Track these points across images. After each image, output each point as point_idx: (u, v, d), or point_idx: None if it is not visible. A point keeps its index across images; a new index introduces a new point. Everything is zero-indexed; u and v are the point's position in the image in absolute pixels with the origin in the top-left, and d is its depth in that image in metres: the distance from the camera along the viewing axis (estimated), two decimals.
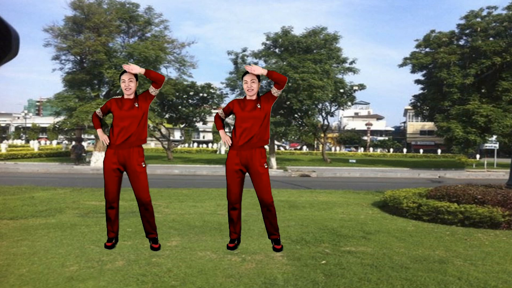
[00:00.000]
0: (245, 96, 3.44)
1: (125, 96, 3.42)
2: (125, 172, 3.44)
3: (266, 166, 3.41)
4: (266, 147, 3.72)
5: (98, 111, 3.52)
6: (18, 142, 52.56)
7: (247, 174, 3.45)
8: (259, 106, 3.36)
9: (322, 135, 36.87)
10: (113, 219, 3.57)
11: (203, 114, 32.58)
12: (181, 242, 5.97)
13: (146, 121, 3.47)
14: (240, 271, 4.71)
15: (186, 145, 60.29)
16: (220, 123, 3.58)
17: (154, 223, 3.64)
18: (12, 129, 73.93)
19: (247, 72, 3.40)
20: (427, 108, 31.00)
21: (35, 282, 4.29)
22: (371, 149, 62.37)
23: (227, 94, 29.88)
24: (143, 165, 3.44)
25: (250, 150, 3.35)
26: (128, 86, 3.38)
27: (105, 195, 3.47)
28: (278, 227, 3.56)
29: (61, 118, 25.73)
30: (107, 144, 3.41)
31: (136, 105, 3.38)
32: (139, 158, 3.42)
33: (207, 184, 15.22)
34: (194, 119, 32.91)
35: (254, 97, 3.40)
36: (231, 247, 3.65)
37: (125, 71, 3.43)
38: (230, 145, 3.44)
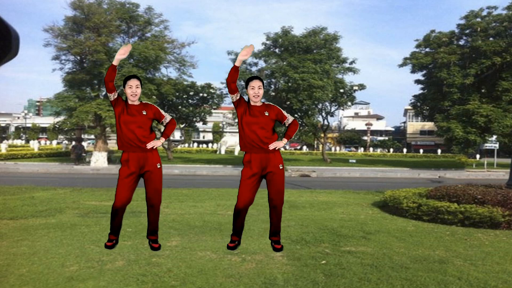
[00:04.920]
0: (249, 103, 3.44)
1: (130, 102, 3.40)
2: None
3: (281, 167, 3.40)
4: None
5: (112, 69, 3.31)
6: (18, 142, 52.57)
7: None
8: (267, 114, 3.36)
9: (322, 135, 36.86)
10: (118, 225, 3.55)
11: (203, 114, 32.58)
12: (181, 242, 5.96)
13: (152, 125, 3.50)
14: (240, 271, 4.71)
15: (186, 145, 60.32)
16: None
17: (158, 226, 3.64)
18: (12, 129, 73.90)
19: (252, 78, 3.41)
20: (427, 108, 31.00)
21: (35, 282, 4.29)
22: (371, 149, 62.37)
23: (227, 94, 29.86)
24: (158, 166, 3.45)
25: (265, 153, 3.34)
26: (135, 92, 3.36)
27: (116, 202, 3.38)
28: (280, 230, 3.59)
29: (61, 118, 25.73)
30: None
31: (144, 113, 3.38)
32: (156, 159, 3.43)
33: (207, 184, 15.21)
34: (194, 119, 32.92)
35: (258, 103, 3.41)
36: (231, 247, 3.65)
37: (130, 77, 3.43)
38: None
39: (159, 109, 3.52)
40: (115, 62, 3.29)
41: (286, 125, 3.52)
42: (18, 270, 4.63)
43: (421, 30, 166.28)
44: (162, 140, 3.48)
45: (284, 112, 3.47)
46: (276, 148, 3.36)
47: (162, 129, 3.67)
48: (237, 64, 3.28)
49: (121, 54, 3.31)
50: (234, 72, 3.31)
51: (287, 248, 5.49)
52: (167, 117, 3.54)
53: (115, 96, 3.36)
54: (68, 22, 23.04)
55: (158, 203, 3.49)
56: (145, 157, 3.38)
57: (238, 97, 3.38)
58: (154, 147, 3.40)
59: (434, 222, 7.92)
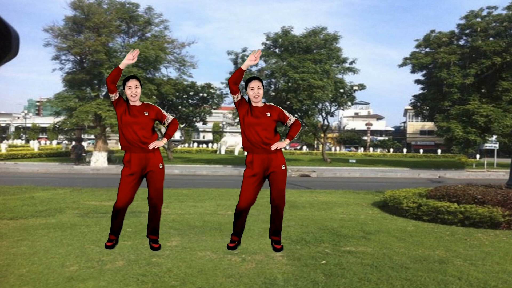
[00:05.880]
0: (250, 103, 3.43)
1: (131, 103, 3.39)
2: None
3: (284, 168, 3.40)
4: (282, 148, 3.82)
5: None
6: (18, 142, 52.56)
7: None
8: (269, 115, 3.36)
9: (322, 135, 36.85)
10: (118, 226, 3.55)
11: (203, 114, 32.60)
12: (181, 242, 5.97)
13: (154, 126, 3.50)
14: (240, 271, 4.71)
15: (186, 145, 60.33)
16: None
17: (159, 225, 3.65)
18: (12, 129, 73.89)
19: (251, 79, 3.41)
20: (427, 108, 30.99)
21: (35, 282, 4.29)
22: (371, 149, 62.37)
23: (227, 94, 29.92)
24: (160, 167, 3.46)
25: (268, 153, 3.34)
26: (134, 93, 3.36)
27: (118, 202, 3.38)
28: (281, 230, 3.59)
29: (61, 118, 25.73)
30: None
31: (146, 114, 3.38)
32: (158, 159, 3.45)
33: (207, 184, 15.21)
34: (194, 119, 32.94)
35: (259, 104, 3.40)
36: (231, 247, 3.65)
37: (129, 77, 3.42)
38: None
39: (161, 109, 3.52)
40: (122, 66, 3.28)
41: (288, 126, 3.51)
42: (18, 270, 4.63)
43: (421, 30, 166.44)
44: (165, 140, 3.49)
45: (286, 113, 3.48)
46: (278, 149, 3.37)
47: (163, 129, 3.67)
48: (243, 68, 3.27)
49: (129, 59, 3.30)
50: (239, 75, 3.31)
51: (287, 248, 5.49)
52: (169, 118, 3.54)
53: (117, 97, 3.35)
54: (68, 22, 23.04)
55: (159, 203, 3.51)
56: (147, 158, 3.39)
57: (239, 97, 3.39)
58: (156, 148, 3.40)
59: (434, 222, 7.92)
